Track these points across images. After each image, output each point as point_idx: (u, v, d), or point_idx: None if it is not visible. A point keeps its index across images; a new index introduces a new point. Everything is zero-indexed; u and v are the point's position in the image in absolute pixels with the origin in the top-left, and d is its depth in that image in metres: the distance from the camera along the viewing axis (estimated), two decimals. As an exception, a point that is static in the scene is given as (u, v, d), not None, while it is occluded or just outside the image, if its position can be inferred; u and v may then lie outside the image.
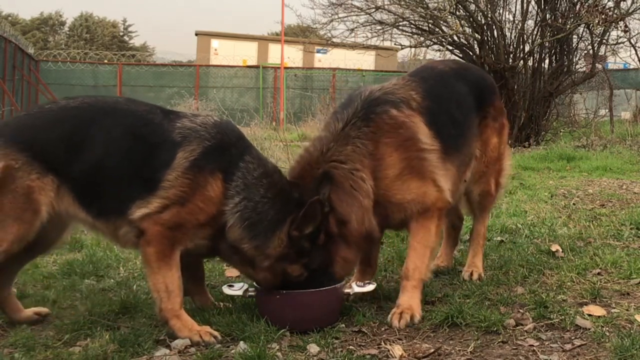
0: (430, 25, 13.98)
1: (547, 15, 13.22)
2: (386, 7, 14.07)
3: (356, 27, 14.58)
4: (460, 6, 13.32)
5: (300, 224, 2.96)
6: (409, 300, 3.19)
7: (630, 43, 14.45)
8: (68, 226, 3.18)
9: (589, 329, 3.00)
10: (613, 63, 21.45)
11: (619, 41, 14.34)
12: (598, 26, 13.07)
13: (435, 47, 14.79)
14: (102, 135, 2.95)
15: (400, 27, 14.55)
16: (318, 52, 31.46)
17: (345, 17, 14.55)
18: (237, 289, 3.22)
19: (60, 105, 3.13)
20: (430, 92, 3.47)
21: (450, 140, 3.42)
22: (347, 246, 3.15)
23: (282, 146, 8.79)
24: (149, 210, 2.88)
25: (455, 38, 13.91)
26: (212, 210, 2.94)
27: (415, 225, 3.29)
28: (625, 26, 13.68)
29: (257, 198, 2.97)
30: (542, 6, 13.38)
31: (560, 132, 14.57)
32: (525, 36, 13.60)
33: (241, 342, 2.82)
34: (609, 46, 14.55)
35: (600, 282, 3.72)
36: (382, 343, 2.88)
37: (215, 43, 36.97)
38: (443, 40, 13.91)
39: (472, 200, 3.96)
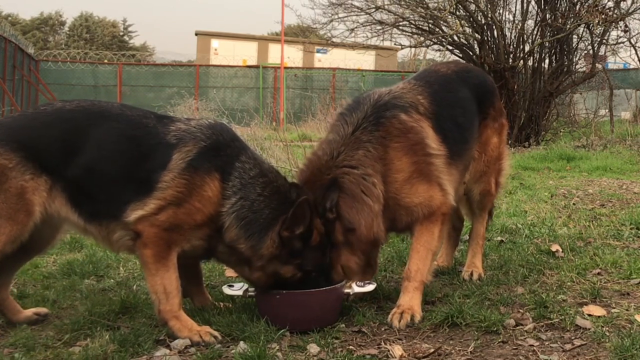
0: (430, 25, 13.99)
1: (547, 15, 13.23)
2: (386, 7, 14.09)
3: (356, 27, 14.60)
4: (460, 6, 13.33)
5: (290, 224, 2.96)
6: (410, 301, 3.19)
7: (630, 43, 14.47)
8: (62, 227, 3.18)
9: (589, 329, 3.00)
10: (613, 63, 21.46)
11: (619, 41, 14.37)
12: (598, 26, 13.08)
13: (435, 47, 14.81)
14: (97, 138, 2.96)
15: (400, 27, 14.56)
16: (318, 52, 31.48)
17: (345, 17, 14.57)
18: (237, 289, 3.23)
19: (56, 107, 3.13)
20: (437, 97, 3.50)
21: (455, 145, 3.46)
22: (351, 253, 3.16)
23: (282, 146, 8.79)
24: (145, 212, 2.88)
25: (455, 38, 13.92)
26: (209, 210, 2.94)
27: (419, 228, 3.31)
28: (625, 26, 13.70)
29: (253, 197, 2.97)
30: (542, 6, 13.39)
31: (560, 132, 14.58)
32: (525, 36, 13.61)
33: (241, 342, 2.81)
34: (609, 46, 14.56)
35: (600, 282, 3.72)
36: (382, 343, 2.88)
37: (215, 43, 36.98)
38: (443, 40, 13.92)
39: (472, 199, 3.97)
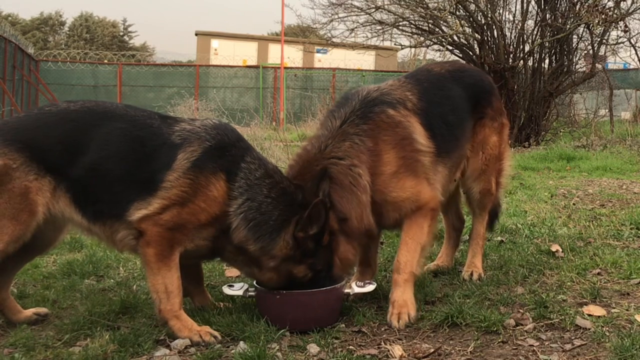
0: (430, 25, 14.00)
1: (547, 15, 13.23)
2: (386, 7, 14.10)
3: (356, 27, 14.62)
4: (460, 6, 13.34)
5: (305, 225, 2.98)
6: (402, 296, 3.19)
7: (630, 43, 14.48)
8: (64, 227, 3.18)
9: (589, 329, 3.00)
10: (613, 63, 21.45)
11: (619, 41, 14.37)
12: (598, 26, 13.08)
13: (435, 47, 14.82)
14: (102, 139, 2.96)
15: (400, 27, 14.57)
16: (318, 52, 31.48)
17: (345, 17, 14.59)
18: (237, 289, 3.23)
19: (61, 108, 3.13)
20: (426, 94, 3.52)
21: (443, 142, 3.47)
22: (347, 242, 3.16)
23: (282, 146, 8.81)
24: (149, 212, 2.89)
25: (455, 38, 13.92)
26: (214, 210, 2.94)
27: (408, 222, 3.32)
28: (625, 26, 13.70)
29: (261, 198, 2.98)
30: (542, 6, 13.39)
31: (560, 132, 14.58)
32: (525, 36, 13.61)
33: (241, 342, 2.82)
34: (609, 46, 14.57)
35: (600, 282, 3.72)
36: (382, 343, 2.88)
37: (215, 43, 36.98)
38: (443, 40, 13.92)
39: (472, 198, 3.97)
